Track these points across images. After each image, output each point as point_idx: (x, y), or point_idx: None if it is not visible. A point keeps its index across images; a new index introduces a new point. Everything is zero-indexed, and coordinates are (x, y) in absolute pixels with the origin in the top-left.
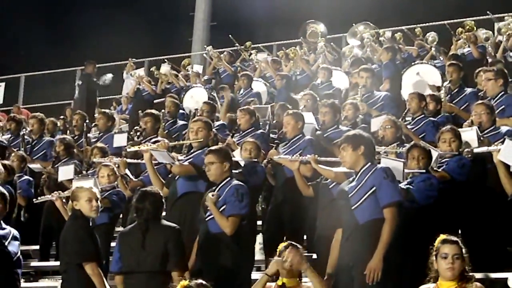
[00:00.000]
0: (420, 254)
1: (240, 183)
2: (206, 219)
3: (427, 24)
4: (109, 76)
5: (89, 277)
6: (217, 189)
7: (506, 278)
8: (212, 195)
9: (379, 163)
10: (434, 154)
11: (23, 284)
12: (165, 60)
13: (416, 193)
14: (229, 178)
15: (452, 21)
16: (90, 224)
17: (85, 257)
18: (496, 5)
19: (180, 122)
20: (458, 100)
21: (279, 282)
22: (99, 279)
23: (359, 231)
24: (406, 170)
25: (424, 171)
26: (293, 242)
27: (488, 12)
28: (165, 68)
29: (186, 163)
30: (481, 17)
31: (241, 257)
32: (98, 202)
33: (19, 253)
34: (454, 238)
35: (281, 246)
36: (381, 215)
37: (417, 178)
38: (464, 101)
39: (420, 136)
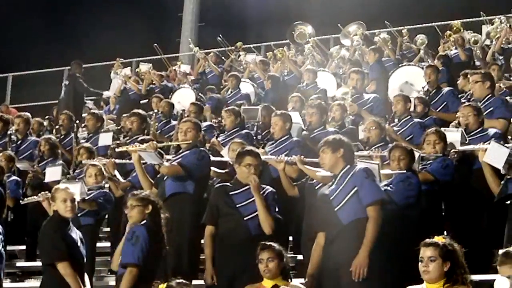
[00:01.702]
0: (405, 255)
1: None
2: (245, 218)
3: (415, 26)
4: (108, 93)
5: (62, 277)
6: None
7: (492, 280)
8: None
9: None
10: (417, 155)
11: (9, 284)
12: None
13: (395, 193)
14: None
15: (440, 23)
16: (69, 224)
17: (57, 257)
18: (484, 7)
19: (174, 123)
20: (436, 101)
21: (268, 285)
22: (72, 279)
23: (343, 232)
24: (388, 171)
25: (404, 171)
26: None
27: (481, 13)
28: (145, 67)
29: (174, 163)
30: (469, 19)
31: None
32: (75, 202)
33: (1, 248)
34: (433, 241)
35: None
36: (364, 215)
37: (395, 178)
38: (442, 101)
39: (407, 139)
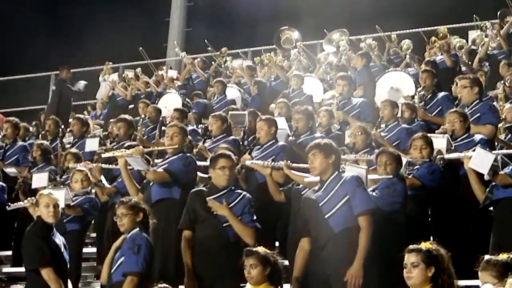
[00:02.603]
0: (391, 261)
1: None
2: (224, 225)
3: (401, 31)
4: (82, 83)
5: (46, 283)
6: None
7: (477, 286)
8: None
9: (344, 172)
10: (404, 160)
11: None
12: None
13: (379, 199)
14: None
15: (426, 28)
16: (53, 230)
17: (40, 263)
18: (471, 13)
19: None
20: (431, 105)
21: None
22: (55, 285)
23: (334, 240)
24: (375, 177)
25: (390, 176)
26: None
27: (474, 16)
28: (131, 73)
29: (160, 169)
30: (455, 25)
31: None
32: (58, 208)
33: None
34: (416, 246)
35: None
36: (355, 223)
37: (381, 184)
38: (437, 106)
39: (394, 144)
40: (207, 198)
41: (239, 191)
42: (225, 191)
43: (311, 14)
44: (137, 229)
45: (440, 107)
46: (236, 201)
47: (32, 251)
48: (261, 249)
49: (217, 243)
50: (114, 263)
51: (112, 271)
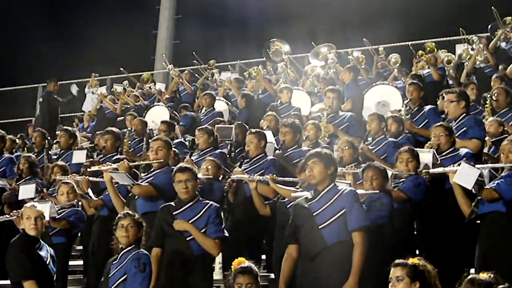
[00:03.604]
0: (378, 276)
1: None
2: (188, 238)
3: (390, 44)
4: (74, 87)
5: None
6: (186, 208)
7: None
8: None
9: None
10: (390, 173)
11: None
12: (128, 77)
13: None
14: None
15: (414, 42)
16: (38, 242)
17: (23, 276)
18: (458, 27)
19: None
20: (418, 118)
21: None
22: None
23: (327, 252)
24: (361, 191)
25: (377, 191)
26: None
27: (461, 29)
28: (120, 88)
29: (145, 183)
30: (442, 39)
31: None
32: (41, 220)
33: None
34: (401, 261)
35: (235, 263)
36: (348, 238)
37: (367, 199)
38: (423, 118)
39: (381, 157)
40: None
41: (206, 201)
42: (190, 204)
43: (300, 27)
44: (134, 245)
45: (427, 120)
46: (201, 213)
47: (15, 264)
48: (253, 266)
49: (181, 257)
50: (115, 279)
51: (113, 287)
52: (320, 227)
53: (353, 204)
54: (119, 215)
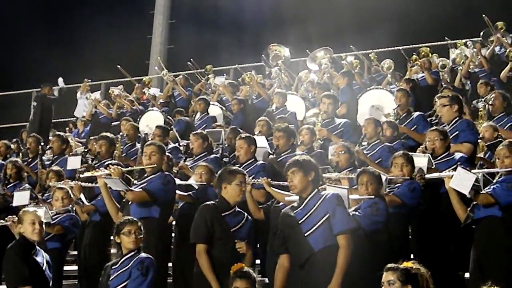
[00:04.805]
0: (373, 280)
1: None
2: (306, 235)
3: (382, 49)
4: (60, 80)
5: None
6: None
7: None
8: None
9: (324, 190)
10: (384, 178)
11: None
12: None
13: (362, 219)
14: None
15: (407, 46)
16: (35, 248)
17: (19, 282)
18: (452, 31)
19: (139, 146)
20: (406, 124)
21: None
22: None
23: (315, 258)
24: (356, 197)
25: (373, 196)
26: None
27: (446, 38)
28: (117, 90)
29: (139, 189)
30: (436, 43)
31: None
32: (43, 225)
33: None
34: (393, 265)
35: (234, 268)
36: (335, 242)
37: (363, 204)
38: (412, 124)
39: (376, 162)
40: None
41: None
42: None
43: (294, 32)
44: (136, 251)
45: (415, 126)
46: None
47: (12, 270)
48: (250, 270)
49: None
50: (117, 283)
51: None
52: (306, 234)
53: (336, 208)
54: (123, 221)
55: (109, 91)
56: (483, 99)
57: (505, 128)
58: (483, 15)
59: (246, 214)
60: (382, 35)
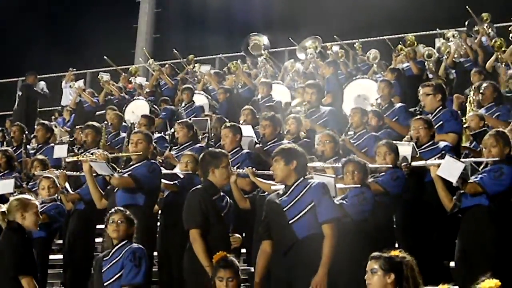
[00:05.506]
0: (359, 269)
1: None
2: (291, 222)
3: (368, 39)
4: (42, 83)
5: None
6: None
7: None
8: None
9: (311, 179)
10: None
11: None
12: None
13: (350, 208)
14: None
15: (392, 36)
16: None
17: (22, 271)
18: (438, 21)
19: (123, 135)
20: (388, 115)
21: None
22: None
23: (298, 246)
24: (342, 186)
25: (359, 185)
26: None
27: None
28: (106, 76)
29: (125, 175)
30: (422, 33)
31: None
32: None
33: None
34: (376, 254)
35: (217, 257)
36: (319, 230)
37: (350, 193)
38: (393, 115)
39: (362, 151)
40: None
41: None
42: None
43: (281, 21)
44: (127, 241)
45: (397, 117)
46: None
47: (14, 258)
48: (234, 260)
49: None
50: (110, 275)
51: (108, 282)
52: (290, 222)
53: (321, 197)
54: (110, 211)
55: (98, 77)
56: (473, 87)
57: (493, 117)
58: (466, 6)
59: (227, 197)
60: (367, 25)
